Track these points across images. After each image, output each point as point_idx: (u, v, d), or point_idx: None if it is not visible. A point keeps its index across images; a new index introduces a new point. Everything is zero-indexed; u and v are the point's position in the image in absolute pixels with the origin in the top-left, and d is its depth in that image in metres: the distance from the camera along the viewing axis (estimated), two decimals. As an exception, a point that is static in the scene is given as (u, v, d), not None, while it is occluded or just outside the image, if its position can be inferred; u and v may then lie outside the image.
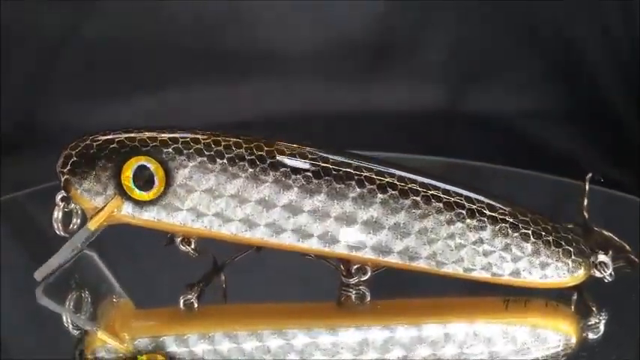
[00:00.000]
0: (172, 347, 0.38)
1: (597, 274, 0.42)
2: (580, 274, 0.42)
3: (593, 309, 0.43)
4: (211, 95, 0.94)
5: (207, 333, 0.39)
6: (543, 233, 0.41)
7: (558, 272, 0.41)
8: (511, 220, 0.41)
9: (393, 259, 0.41)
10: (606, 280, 0.42)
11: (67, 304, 0.43)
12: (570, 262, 0.41)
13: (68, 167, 0.41)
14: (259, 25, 0.94)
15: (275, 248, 0.40)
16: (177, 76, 0.94)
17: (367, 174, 0.40)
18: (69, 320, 0.42)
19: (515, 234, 0.41)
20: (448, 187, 0.42)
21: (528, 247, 0.41)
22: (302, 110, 0.94)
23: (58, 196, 0.42)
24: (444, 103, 0.96)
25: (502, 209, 0.42)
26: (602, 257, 0.42)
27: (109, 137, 0.40)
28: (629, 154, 0.90)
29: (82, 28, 0.91)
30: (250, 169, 0.39)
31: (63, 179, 0.41)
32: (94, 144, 0.41)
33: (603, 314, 0.42)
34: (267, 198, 0.39)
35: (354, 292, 0.41)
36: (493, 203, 0.42)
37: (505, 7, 0.95)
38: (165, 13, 0.92)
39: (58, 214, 0.42)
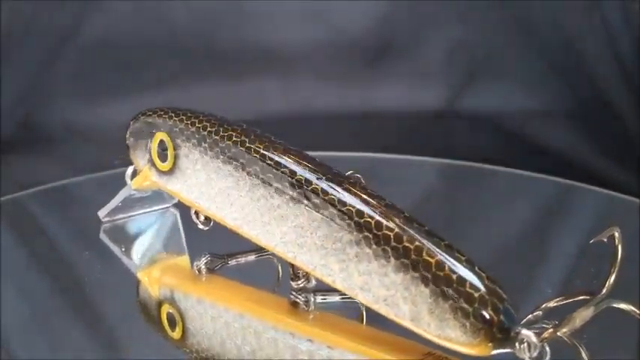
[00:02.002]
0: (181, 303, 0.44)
1: (520, 354, 0.32)
2: (481, 345, 0.32)
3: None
4: (211, 95, 0.94)
5: (197, 298, 0.43)
6: (445, 282, 0.33)
7: (456, 333, 0.32)
8: (414, 256, 0.33)
9: (312, 270, 0.38)
10: None
11: (123, 247, 0.50)
12: (468, 325, 0.32)
13: (128, 134, 0.48)
14: (259, 25, 0.94)
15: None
16: (177, 75, 0.94)
17: (302, 176, 0.38)
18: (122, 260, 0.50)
19: (416, 274, 0.33)
20: (362, 205, 0.36)
21: (427, 291, 0.33)
22: (302, 110, 0.95)
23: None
24: (443, 102, 0.96)
25: (410, 239, 0.34)
26: (525, 333, 0.32)
27: (151, 113, 0.47)
28: (630, 154, 0.90)
29: (83, 28, 0.91)
30: (240, 173, 0.41)
31: (126, 143, 0.48)
32: (142, 117, 0.47)
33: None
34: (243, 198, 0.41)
35: (299, 296, 0.41)
36: (401, 233, 0.34)
37: (505, 6, 0.95)
38: (165, 12, 0.92)
39: (128, 170, 0.49)
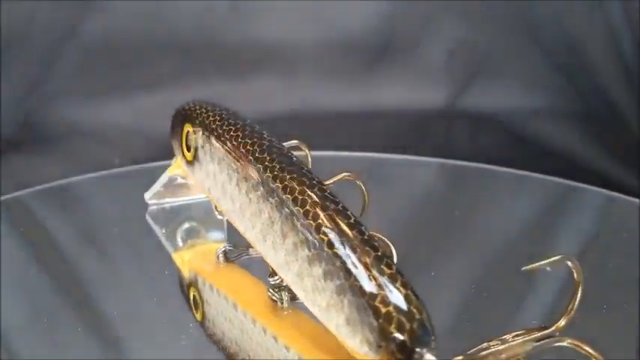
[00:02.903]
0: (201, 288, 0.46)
1: None
2: None
3: None
4: (212, 94, 0.94)
5: (209, 285, 0.45)
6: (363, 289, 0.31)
7: (363, 347, 0.31)
8: (340, 264, 0.32)
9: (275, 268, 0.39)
10: None
11: (164, 229, 0.54)
12: (372, 340, 0.31)
13: (171, 123, 0.52)
14: (260, 24, 0.94)
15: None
16: (178, 75, 0.94)
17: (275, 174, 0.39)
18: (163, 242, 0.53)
19: (339, 282, 0.32)
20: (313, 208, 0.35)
21: (346, 301, 0.32)
22: (302, 110, 0.94)
23: None
24: (445, 101, 0.96)
25: (340, 246, 0.33)
26: (428, 357, 0.30)
27: (186, 106, 0.50)
28: (633, 153, 0.90)
29: (83, 27, 0.91)
30: (230, 167, 0.42)
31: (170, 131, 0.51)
32: (180, 109, 0.50)
33: None
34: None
35: (275, 294, 0.41)
36: (332, 239, 0.33)
37: (508, 5, 0.95)
38: (165, 12, 0.92)
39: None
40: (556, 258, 0.33)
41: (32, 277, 0.49)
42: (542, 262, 0.34)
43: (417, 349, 0.30)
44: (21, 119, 0.91)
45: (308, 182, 0.36)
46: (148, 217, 0.54)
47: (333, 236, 0.33)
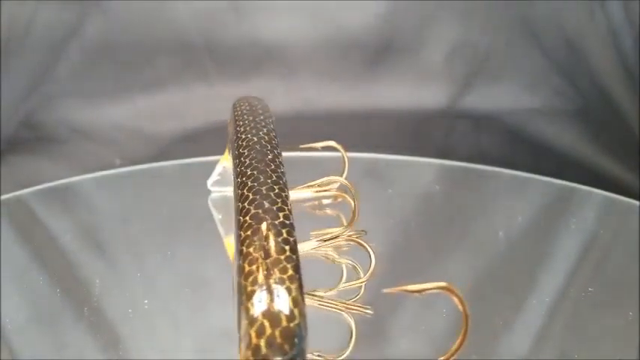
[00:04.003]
0: None
1: None
2: None
3: None
4: (213, 94, 0.94)
5: None
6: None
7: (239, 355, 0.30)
8: (240, 262, 0.32)
9: None
10: None
11: (221, 215, 0.54)
12: (243, 348, 0.29)
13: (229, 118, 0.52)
14: (260, 25, 0.94)
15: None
16: (178, 75, 0.94)
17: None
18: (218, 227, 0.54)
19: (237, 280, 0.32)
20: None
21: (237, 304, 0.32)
22: (303, 109, 0.95)
23: None
24: (445, 102, 0.96)
25: (247, 245, 0.33)
26: None
27: (239, 101, 0.51)
28: (633, 153, 0.90)
29: (84, 28, 0.91)
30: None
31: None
32: (233, 107, 0.52)
33: None
34: None
35: None
36: (247, 238, 0.34)
37: (508, 5, 0.95)
38: (165, 13, 0.92)
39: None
40: (430, 285, 0.33)
41: (32, 276, 0.49)
42: (414, 287, 0.34)
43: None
44: (22, 119, 0.91)
45: (256, 184, 0.37)
46: (209, 202, 0.56)
47: (243, 237, 0.33)
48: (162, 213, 0.56)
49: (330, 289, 0.40)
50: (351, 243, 0.41)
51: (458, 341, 0.32)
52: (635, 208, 0.56)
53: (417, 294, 0.33)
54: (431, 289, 0.33)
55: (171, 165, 0.67)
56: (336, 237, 0.41)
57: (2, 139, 0.89)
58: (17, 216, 0.57)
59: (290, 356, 0.28)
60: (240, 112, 0.48)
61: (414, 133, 0.96)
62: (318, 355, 0.37)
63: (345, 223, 0.44)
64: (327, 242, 0.41)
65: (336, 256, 0.44)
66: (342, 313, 0.38)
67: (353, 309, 0.38)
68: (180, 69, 0.94)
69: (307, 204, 0.53)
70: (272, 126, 0.46)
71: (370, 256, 0.39)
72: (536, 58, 0.96)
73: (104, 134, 0.92)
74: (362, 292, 0.41)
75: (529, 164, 0.71)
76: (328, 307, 0.39)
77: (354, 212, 0.42)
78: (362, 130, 0.95)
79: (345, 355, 0.37)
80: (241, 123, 0.46)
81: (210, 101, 0.94)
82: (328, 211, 0.50)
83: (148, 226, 0.55)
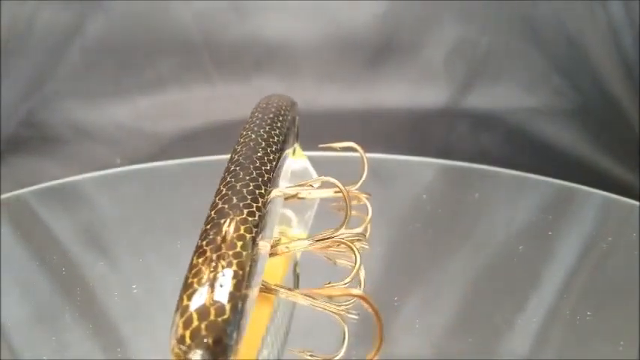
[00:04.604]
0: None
1: None
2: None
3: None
4: (213, 94, 0.94)
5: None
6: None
7: None
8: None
9: None
10: None
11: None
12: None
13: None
14: (260, 25, 0.94)
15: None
16: (179, 75, 0.94)
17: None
18: None
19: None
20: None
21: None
22: (303, 109, 0.94)
23: None
24: (446, 101, 0.96)
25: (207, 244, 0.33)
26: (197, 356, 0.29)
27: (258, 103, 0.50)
28: (634, 153, 0.90)
29: (85, 27, 0.91)
30: None
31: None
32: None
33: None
34: None
35: None
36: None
37: (508, 4, 0.95)
38: (166, 12, 0.92)
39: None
40: (339, 292, 0.35)
41: (33, 275, 0.49)
42: (326, 291, 0.35)
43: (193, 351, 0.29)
44: (22, 119, 0.91)
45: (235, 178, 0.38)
46: None
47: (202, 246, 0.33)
48: (163, 212, 0.56)
49: (318, 289, 0.40)
50: (344, 244, 0.41)
51: (372, 352, 0.32)
52: (635, 209, 0.56)
53: (327, 298, 0.34)
54: (340, 295, 0.33)
55: (172, 164, 0.67)
56: (327, 238, 0.41)
57: (3, 139, 0.89)
58: (17, 215, 0.57)
59: (213, 350, 0.29)
60: (254, 110, 0.48)
61: (414, 132, 0.96)
62: (311, 355, 0.37)
63: (366, 222, 0.45)
64: (318, 242, 0.41)
65: (342, 257, 0.45)
66: (332, 314, 0.39)
67: (338, 312, 0.39)
68: (180, 69, 0.94)
69: (333, 204, 0.53)
70: (280, 124, 0.46)
71: (356, 258, 0.39)
72: (536, 57, 0.96)
73: (105, 134, 0.92)
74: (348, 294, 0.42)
75: (529, 164, 0.71)
76: (318, 307, 0.39)
77: (346, 214, 0.42)
78: (362, 130, 0.95)
79: (339, 356, 0.37)
80: (250, 121, 0.46)
81: (210, 101, 0.94)
82: (354, 212, 0.50)
83: (149, 225, 0.55)
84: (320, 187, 0.47)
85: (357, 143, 0.52)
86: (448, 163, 0.70)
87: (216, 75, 0.94)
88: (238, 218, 0.34)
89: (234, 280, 0.31)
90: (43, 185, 0.61)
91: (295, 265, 0.47)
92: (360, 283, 0.42)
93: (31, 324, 0.43)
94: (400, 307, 0.43)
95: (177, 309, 0.30)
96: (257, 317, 0.37)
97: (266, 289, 0.38)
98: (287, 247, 0.40)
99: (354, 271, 0.39)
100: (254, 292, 0.33)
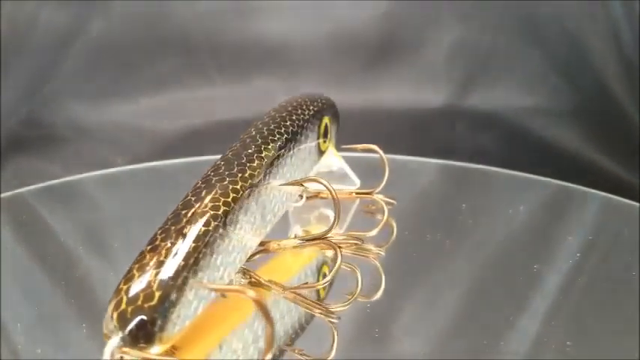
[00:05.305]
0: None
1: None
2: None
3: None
4: (214, 94, 0.94)
5: None
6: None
7: None
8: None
9: None
10: None
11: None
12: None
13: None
14: (261, 25, 0.94)
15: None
16: (180, 75, 0.94)
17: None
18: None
19: None
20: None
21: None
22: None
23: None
24: (446, 101, 0.97)
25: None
26: (113, 342, 0.30)
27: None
28: (633, 153, 0.90)
29: (87, 27, 0.91)
30: None
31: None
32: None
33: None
34: None
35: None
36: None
37: (509, 4, 0.95)
38: (167, 13, 0.92)
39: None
40: (233, 287, 0.34)
41: (33, 275, 0.48)
42: (218, 287, 0.34)
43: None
44: (24, 118, 0.91)
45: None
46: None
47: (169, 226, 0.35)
48: (164, 212, 0.56)
49: (300, 287, 0.40)
50: (330, 246, 0.41)
51: (264, 353, 0.32)
52: (635, 210, 0.56)
53: (219, 293, 0.34)
54: (233, 291, 0.33)
55: (173, 164, 0.67)
56: (316, 239, 0.41)
57: (3, 138, 0.89)
58: (18, 215, 0.57)
59: (135, 334, 0.30)
60: (274, 107, 0.48)
61: (414, 132, 0.96)
62: (302, 354, 0.37)
63: (380, 225, 0.47)
64: (308, 242, 0.42)
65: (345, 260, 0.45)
66: (316, 314, 0.39)
67: (320, 312, 0.39)
68: (181, 69, 0.94)
69: (362, 205, 0.53)
70: (289, 123, 0.46)
71: (337, 261, 0.39)
72: (537, 57, 0.97)
73: (106, 133, 0.92)
74: (323, 296, 0.43)
75: (529, 164, 0.71)
76: (304, 304, 0.39)
77: (336, 216, 0.42)
78: (362, 130, 0.95)
79: (330, 357, 0.37)
80: (263, 118, 0.46)
81: (211, 101, 0.94)
82: (379, 216, 0.50)
83: (149, 224, 0.55)
84: (286, 184, 0.47)
85: (357, 143, 0.52)
86: (448, 163, 0.70)
87: (217, 75, 0.94)
88: (200, 211, 0.35)
89: (171, 271, 0.31)
90: (44, 184, 0.61)
91: (322, 265, 0.47)
92: (358, 284, 0.42)
93: (31, 324, 0.43)
94: (400, 307, 0.43)
95: (114, 291, 0.31)
96: (219, 316, 0.38)
97: (257, 283, 0.39)
98: (278, 245, 0.41)
99: (333, 271, 0.39)
100: (206, 287, 0.33)
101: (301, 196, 0.48)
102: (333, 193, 0.41)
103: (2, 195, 0.58)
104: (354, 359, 0.39)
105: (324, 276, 0.45)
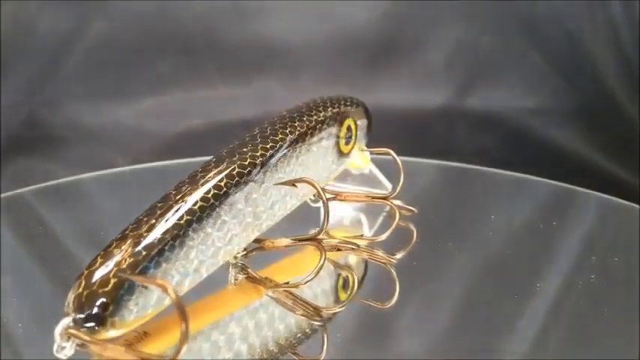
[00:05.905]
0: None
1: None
2: None
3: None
4: (214, 94, 0.95)
5: None
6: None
7: None
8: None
9: None
10: None
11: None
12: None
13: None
14: (261, 26, 0.94)
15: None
16: (180, 75, 0.94)
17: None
18: None
19: None
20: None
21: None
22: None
23: None
24: (445, 102, 0.97)
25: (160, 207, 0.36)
26: (64, 322, 0.33)
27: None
28: (634, 153, 0.90)
29: (87, 28, 0.91)
30: None
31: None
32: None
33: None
34: None
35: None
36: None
37: (509, 4, 0.95)
38: (167, 14, 0.92)
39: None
40: (148, 281, 0.34)
41: (33, 275, 0.48)
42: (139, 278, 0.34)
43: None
44: (24, 119, 0.91)
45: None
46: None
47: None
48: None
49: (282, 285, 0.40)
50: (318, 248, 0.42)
51: (175, 351, 0.31)
52: (635, 211, 0.56)
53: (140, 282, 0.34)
54: (150, 283, 0.33)
55: (174, 164, 0.67)
56: (307, 239, 0.42)
57: (4, 138, 0.89)
58: (18, 215, 0.57)
59: (86, 318, 0.32)
60: (288, 107, 0.48)
61: (414, 133, 0.96)
62: (295, 354, 0.37)
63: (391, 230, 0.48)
64: (299, 242, 0.42)
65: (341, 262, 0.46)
66: (297, 314, 0.39)
67: (303, 313, 0.39)
68: (182, 70, 0.94)
69: (386, 209, 0.53)
70: (298, 123, 0.46)
71: (320, 259, 0.40)
72: (536, 58, 0.97)
73: (106, 134, 0.92)
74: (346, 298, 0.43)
75: (529, 164, 0.71)
76: (290, 304, 0.40)
77: (325, 218, 0.42)
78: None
79: (322, 357, 0.37)
80: (272, 117, 0.46)
81: (211, 101, 0.94)
82: (402, 223, 0.50)
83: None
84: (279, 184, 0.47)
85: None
86: (448, 164, 0.70)
87: (218, 76, 0.94)
88: (175, 205, 0.36)
89: (131, 260, 0.33)
90: (44, 185, 0.61)
91: (344, 268, 0.47)
92: (354, 288, 0.43)
93: (31, 324, 0.43)
94: (400, 307, 0.43)
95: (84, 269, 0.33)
96: (208, 308, 0.40)
97: (254, 279, 0.41)
98: (272, 243, 0.42)
99: (316, 269, 0.39)
100: (130, 278, 0.33)
101: (314, 197, 0.48)
102: (323, 197, 0.41)
103: (2, 195, 0.58)
104: (354, 359, 0.39)
105: (345, 280, 0.45)
